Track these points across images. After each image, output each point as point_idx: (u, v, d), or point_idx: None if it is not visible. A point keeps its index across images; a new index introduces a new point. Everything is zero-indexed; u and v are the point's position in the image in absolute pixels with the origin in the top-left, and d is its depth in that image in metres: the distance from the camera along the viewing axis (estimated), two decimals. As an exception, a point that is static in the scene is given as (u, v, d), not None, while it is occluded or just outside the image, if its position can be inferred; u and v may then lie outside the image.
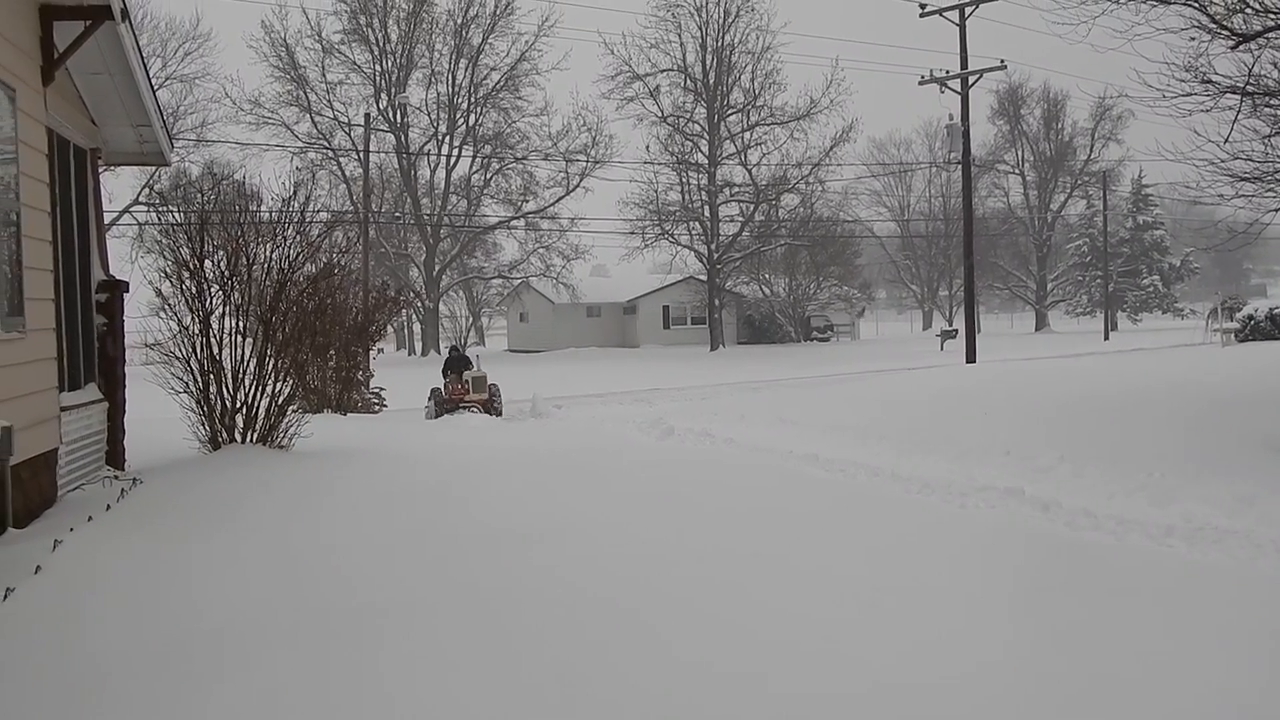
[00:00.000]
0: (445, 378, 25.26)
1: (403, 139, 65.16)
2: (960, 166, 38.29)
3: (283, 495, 9.77)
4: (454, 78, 65.21)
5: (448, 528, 8.41)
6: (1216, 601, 6.74)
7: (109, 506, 9.25)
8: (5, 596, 6.46)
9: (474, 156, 65.53)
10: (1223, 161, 14.63)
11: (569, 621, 6.01)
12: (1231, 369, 18.61)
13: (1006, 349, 48.25)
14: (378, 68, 64.32)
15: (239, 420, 12.96)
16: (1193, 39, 14.09)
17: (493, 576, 6.95)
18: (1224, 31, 13.82)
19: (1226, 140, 14.34)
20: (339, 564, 7.33)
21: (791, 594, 6.64)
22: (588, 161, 63.45)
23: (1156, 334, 65.08)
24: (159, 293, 13.00)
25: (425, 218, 64.91)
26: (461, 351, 26.81)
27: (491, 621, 6.05)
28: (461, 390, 24.36)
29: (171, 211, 14.51)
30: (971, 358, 36.12)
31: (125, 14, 10.24)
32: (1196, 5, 13.83)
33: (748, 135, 65.65)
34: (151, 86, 12.01)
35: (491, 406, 24.30)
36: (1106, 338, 64.65)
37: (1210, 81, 14.11)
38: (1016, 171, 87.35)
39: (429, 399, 24.76)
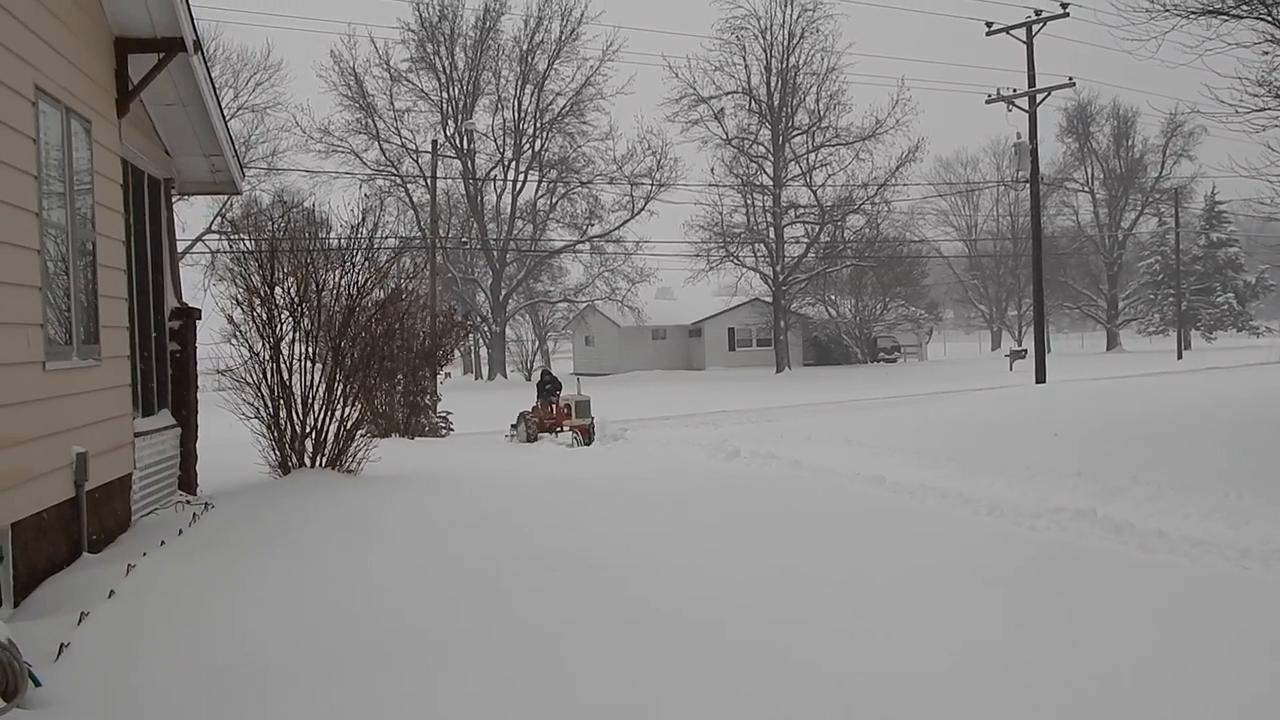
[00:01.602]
0: (539, 398, 24.98)
1: (469, 165, 65.68)
2: (1028, 185, 37.88)
3: (349, 520, 9.84)
4: (520, 103, 65.70)
5: (510, 558, 8.43)
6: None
7: (181, 531, 9.37)
8: (80, 621, 6.55)
9: (539, 181, 65.94)
10: (1297, 177, 14.38)
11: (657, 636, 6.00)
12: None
13: (1077, 369, 47.61)
14: (445, 95, 64.96)
15: (308, 445, 13.10)
16: (1266, 53, 13.91)
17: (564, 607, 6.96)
18: (1298, 45, 13.61)
19: (1301, 155, 14.09)
20: (400, 593, 7.38)
21: (862, 611, 6.59)
22: (652, 185, 63.60)
23: (1231, 353, 63.88)
24: (230, 319, 13.19)
25: (491, 242, 65.33)
26: (554, 375, 26.58)
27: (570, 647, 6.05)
28: (560, 414, 24.04)
29: (243, 239, 14.73)
30: (1041, 378, 35.64)
31: (198, 46, 10.43)
32: (1269, 19, 13.63)
33: (813, 156, 65.44)
34: (223, 117, 12.22)
35: (590, 433, 23.80)
36: (1179, 357, 63.53)
37: (1285, 96, 13.89)
38: (1086, 189, 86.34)
39: (516, 421, 24.49)
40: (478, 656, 5.96)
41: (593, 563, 8.18)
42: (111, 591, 7.16)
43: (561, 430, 23.62)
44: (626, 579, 7.69)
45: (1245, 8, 13.75)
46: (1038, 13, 35.59)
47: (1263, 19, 13.73)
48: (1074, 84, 37.58)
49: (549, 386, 25.27)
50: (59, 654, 5.99)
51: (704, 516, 10.52)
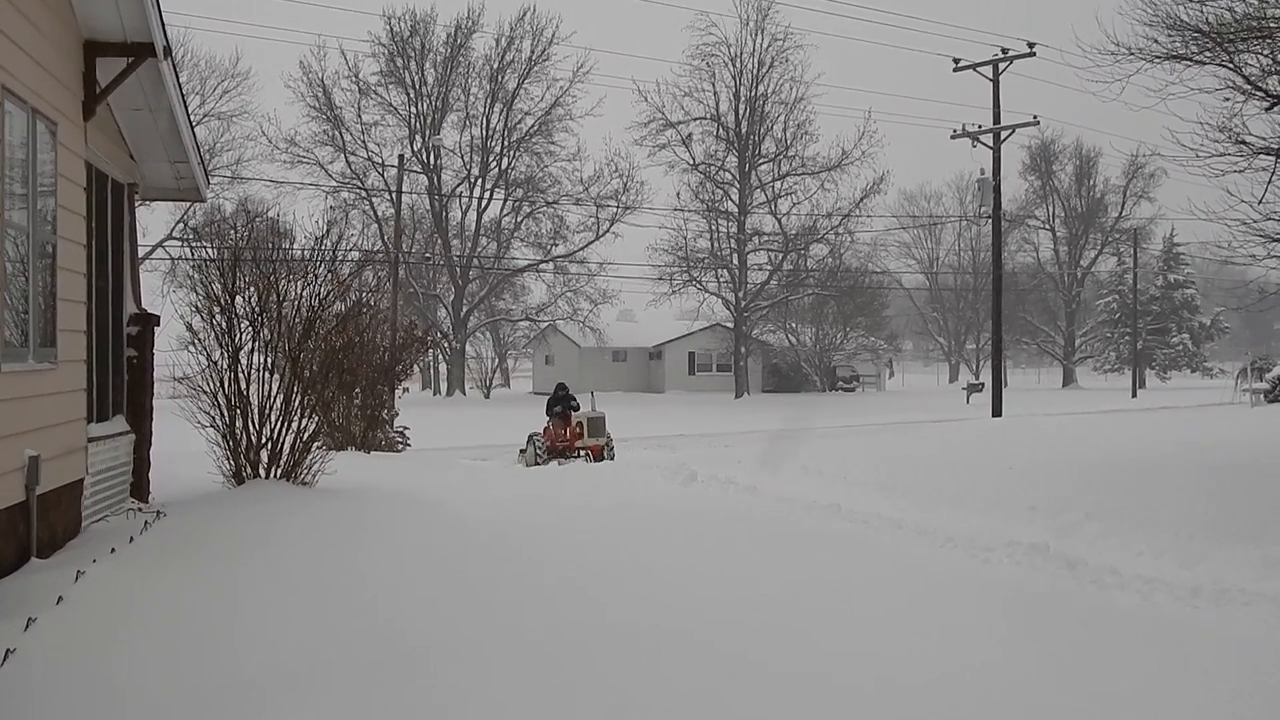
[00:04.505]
0: (549, 418, 23.71)
1: (435, 180, 65.64)
2: (990, 220, 38.25)
3: (304, 531, 9.76)
4: (488, 121, 65.76)
5: (481, 576, 8.39)
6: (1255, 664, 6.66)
7: (132, 539, 9.27)
8: (27, 626, 6.47)
9: (505, 199, 66.05)
10: (1255, 222, 14.60)
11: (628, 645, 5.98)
12: (1261, 430, 18.45)
13: (1033, 404, 47.99)
14: (413, 110, 64.94)
15: (264, 456, 12.99)
16: (1227, 99, 14.11)
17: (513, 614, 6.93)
18: (1259, 93, 13.82)
19: (1260, 201, 14.31)
20: (362, 596, 7.32)
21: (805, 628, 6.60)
22: (618, 207, 63.82)
23: (1185, 393, 64.59)
24: (189, 327, 13.07)
25: (455, 259, 65.25)
26: (569, 390, 24.89)
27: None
28: (573, 434, 22.79)
29: (205, 247, 14.63)
30: (998, 412, 35.95)
31: (168, 51, 10.37)
32: (1231, 66, 13.85)
33: (778, 184, 65.85)
34: (190, 124, 12.15)
35: (605, 454, 22.50)
36: (1134, 395, 64.22)
37: (1244, 142, 14.10)
38: (1047, 227, 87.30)
39: (527, 443, 23.43)
40: (461, 669, 5.94)
41: (545, 577, 8.16)
42: (60, 598, 7.07)
43: (576, 455, 22.29)
44: (588, 591, 7.67)
45: (1208, 55, 13.96)
46: (1004, 51, 36.06)
47: (1225, 66, 13.94)
48: (1038, 122, 38.04)
49: (560, 406, 23.62)
50: (4, 659, 5.91)
51: (661, 538, 10.51)
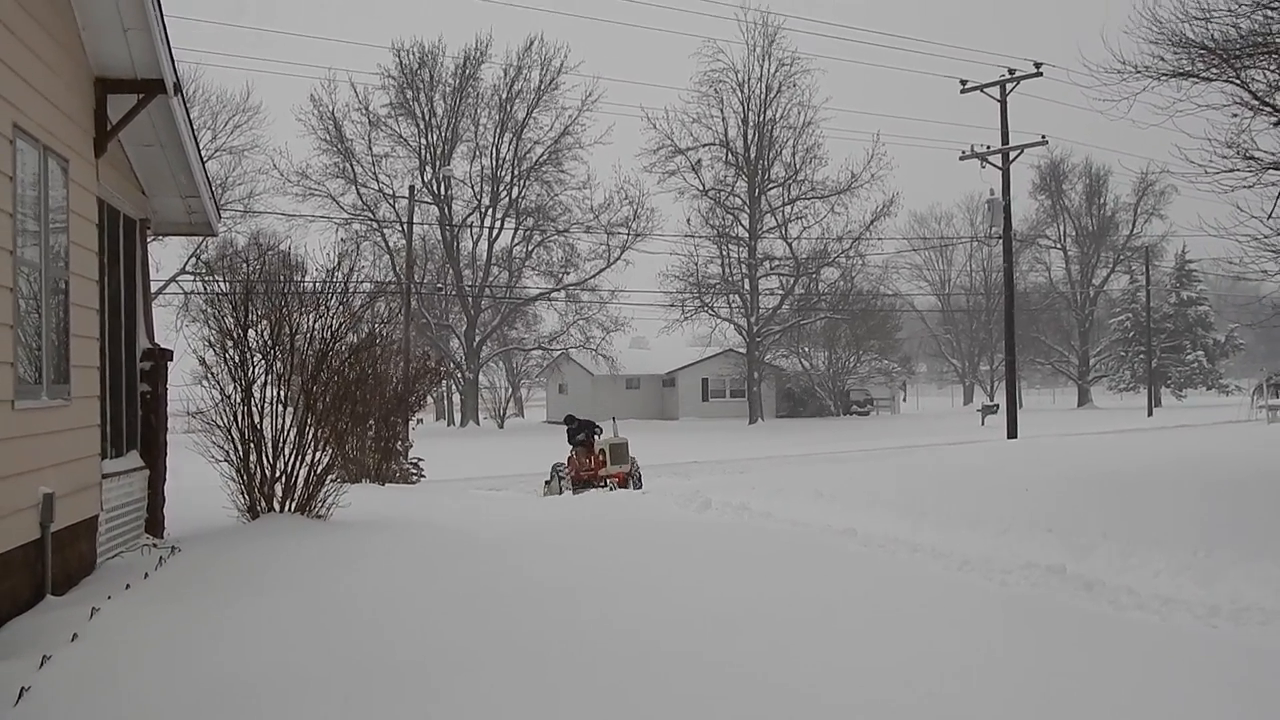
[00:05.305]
0: (572, 447, 23.27)
1: (446, 211, 65.85)
2: (1001, 241, 38.22)
3: (319, 565, 9.75)
4: (498, 151, 65.99)
5: (489, 597, 8.35)
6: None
7: (147, 575, 9.27)
8: (41, 664, 6.46)
9: (516, 228, 66.17)
10: (1266, 237, 14.57)
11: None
12: (1278, 447, 18.35)
13: (1048, 424, 47.86)
14: (423, 141, 65.20)
15: (278, 489, 12.99)
16: (1234, 115, 14.11)
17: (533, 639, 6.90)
18: (1266, 108, 13.82)
19: (1270, 216, 14.28)
20: (382, 631, 7.30)
21: (831, 649, 6.55)
22: (629, 234, 63.95)
23: (1201, 410, 64.35)
24: (202, 361, 13.10)
25: (467, 289, 65.38)
26: (578, 420, 24.35)
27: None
28: (597, 462, 22.18)
29: (217, 281, 14.68)
30: (1013, 433, 35.83)
31: (178, 88, 10.45)
32: (1238, 82, 13.85)
33: (788, 209, 66.04)
34: (201, 158, 12.22)
35: (630, 481, 21.87)
36: (1150, 414, 63.96)
37: (1253, 158, 14.08)
38: (1058, 246, 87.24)
39: (551, 474, 23.01)
40: (464, 682, 5.92)
41: (569, 600, 8.12)
42: (75, 635, 7.07)
43: (603, 484, 21.67)
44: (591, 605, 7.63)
45: (1215, 71, 13.97)
46: (1011, 72, 36.13)
47: (1231, 82, 13.95)
48: (1046, 142, 38.08)
49: (581, 435, 22.98)
50: (19, 698, 5.90)
51: (676, 566, 10.47)
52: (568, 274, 65.85)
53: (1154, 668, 7.00)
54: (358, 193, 63.48)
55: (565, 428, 24.35)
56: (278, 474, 12.99)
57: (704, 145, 65.12)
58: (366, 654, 6.77)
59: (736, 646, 7.00)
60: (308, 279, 15.31)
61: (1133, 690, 6.42)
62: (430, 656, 6.71)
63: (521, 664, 6.52)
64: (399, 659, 6.65)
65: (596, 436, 23.25)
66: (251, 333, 13.24)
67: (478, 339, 65.72)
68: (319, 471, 13.28)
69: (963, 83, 37.08)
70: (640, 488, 21.42)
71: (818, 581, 9.69)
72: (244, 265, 14.95)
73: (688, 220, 65.13)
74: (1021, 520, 13.78)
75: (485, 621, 7.55)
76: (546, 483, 23.39)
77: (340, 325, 14.29)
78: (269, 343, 13.25)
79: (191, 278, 51.80)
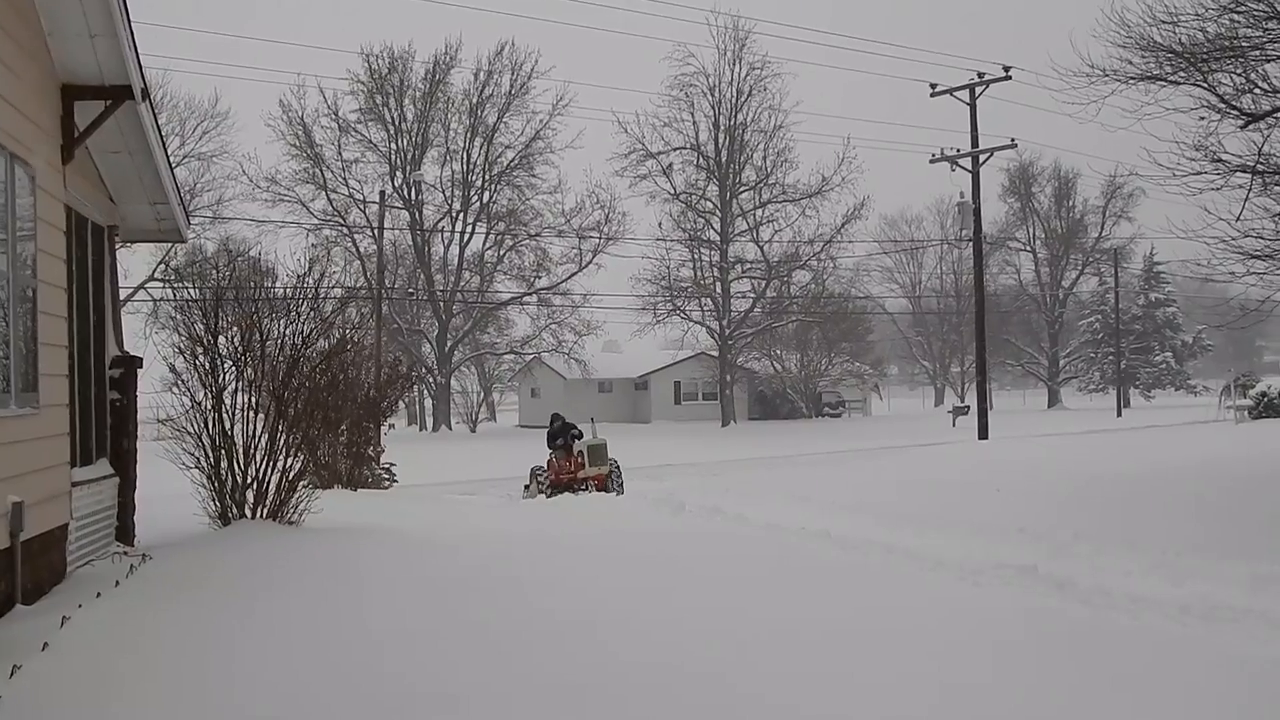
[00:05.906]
0: (551, 450, 22.99)
1: (417, 216, 65.66)
2: (971, 243, 38.43)
3: (295, 572, 9.70)
4: (469, 156, 65.83)
5: (471, 610, 8.34)
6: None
7: (118, 583, 9.19)
8: (12, 674, 6.40)
9: (487, 233, 66.03)
10: (1233, 239, 14.68)
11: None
12: (1246, 447, 18.51)
13: (1018, 426, 48.09)
14: (393, 146, 64.98)
15: (249, 496, 12.92)
16: (1202, 118, 14.22)
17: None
18: (1233, 111, 13.94)
19: (1238, 218, 14.40)
20: (359, 637, 7.28)
21: (805, 657, 6.57)
22: (600, 238, 63.94)
23: (1169, 411, 64.81)
24: (172, 368, 13.03)
25: (438, 294, 65.19)
26: (565, 419, 23.85)
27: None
28: (576, 464, 21.87)
29: (186, 288, 14.59)
30: (984, 434, 36.04)
31: (146, 94, 10.38)
32: (1205, 86, 13.97)
33: (760, 212, 66.19)
34: (170, 165, 12.14)
35: (611, 483, 21.48)
36: (1119, 415, 64.39)
37: (1220, 160, 14.20)
38: (1028, 248, 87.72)
39: (530, 478, 22.77)
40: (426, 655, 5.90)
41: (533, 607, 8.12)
42: (45, 644, 7.01)
43: (583, 487, 21.33)
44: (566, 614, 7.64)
45: (1182, 74, 14.09)
46: (981, 76, 36.32)
47: (1199, 85, 14.07)
48: (1016, 145, 38.36)
49: (562, 438, 22.60)
50: (-11, 709, 5.85)
51: (649, 570, 10.48)
52: (539, 278, 65.79)
53: (1132, 673, 7.05)
54: (328, 198, 63.21)
55: (545, 430, 24.01)
56: (249, 480, 12.92)
57: (675, 149, 65.24)
58: (341, 653, 6.75)
59: (704, 656, 7.02)
60: (278, 285, 15.25)
61: (1120, 690, 6.46)
62: (404, 641, 6.70)
63: (472, 639, 6.52)
64: (373, 639, 6.64)
65: (575, 441, 23.01)
66: (222, 339, 13.18)
67: (449, 344, 65.52)
68: (291, 478, 13.22)
69: (933, 86, 37.26)
70: (622, 492, 21.19)
71: (792, 592, 9.71)
72: (214, 271, 14.86)
73: (659, 224, 65.24)
74: (993, 521, 13.84)
75: (453, 611, 7.55)
76: (526, 486, 23.24)
77: (311, 331, 14.23)
78: (240, 349, 13.19)
79: (160, 284, 51.41)
